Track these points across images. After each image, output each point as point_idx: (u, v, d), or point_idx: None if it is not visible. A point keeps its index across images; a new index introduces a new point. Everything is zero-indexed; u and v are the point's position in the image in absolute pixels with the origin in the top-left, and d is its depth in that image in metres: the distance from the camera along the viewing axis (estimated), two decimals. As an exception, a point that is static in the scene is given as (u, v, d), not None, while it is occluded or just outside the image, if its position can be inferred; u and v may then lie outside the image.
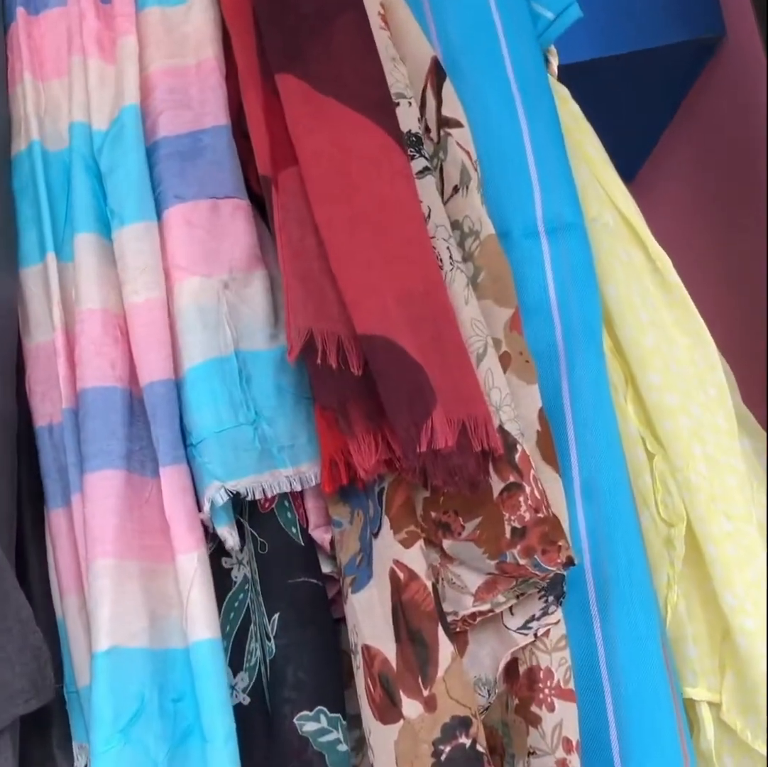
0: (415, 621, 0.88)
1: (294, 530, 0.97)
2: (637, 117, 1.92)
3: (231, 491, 0.91)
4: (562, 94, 1.17)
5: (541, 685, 0.92)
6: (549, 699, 0.91)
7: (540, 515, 0.87)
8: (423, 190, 1.00)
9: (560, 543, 0.86)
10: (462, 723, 0.85)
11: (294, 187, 0.93)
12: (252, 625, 0.97)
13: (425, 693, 0.86)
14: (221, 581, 0.98)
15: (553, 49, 1.20)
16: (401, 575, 0.89)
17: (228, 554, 0.99)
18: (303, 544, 0.98)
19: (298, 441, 0.96)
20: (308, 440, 0.97)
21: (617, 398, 1.06)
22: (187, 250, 0.97)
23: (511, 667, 0.95)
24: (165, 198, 1.00)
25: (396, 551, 0.90)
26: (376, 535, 0.92)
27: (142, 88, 1.03)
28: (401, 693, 0.87)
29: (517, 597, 0.92)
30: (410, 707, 0.86)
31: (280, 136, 0.96)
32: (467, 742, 0.84)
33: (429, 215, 0.99)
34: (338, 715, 0.93)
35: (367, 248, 0.90)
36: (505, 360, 0.99)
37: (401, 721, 0.86)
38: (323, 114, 0.95)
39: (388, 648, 0.89)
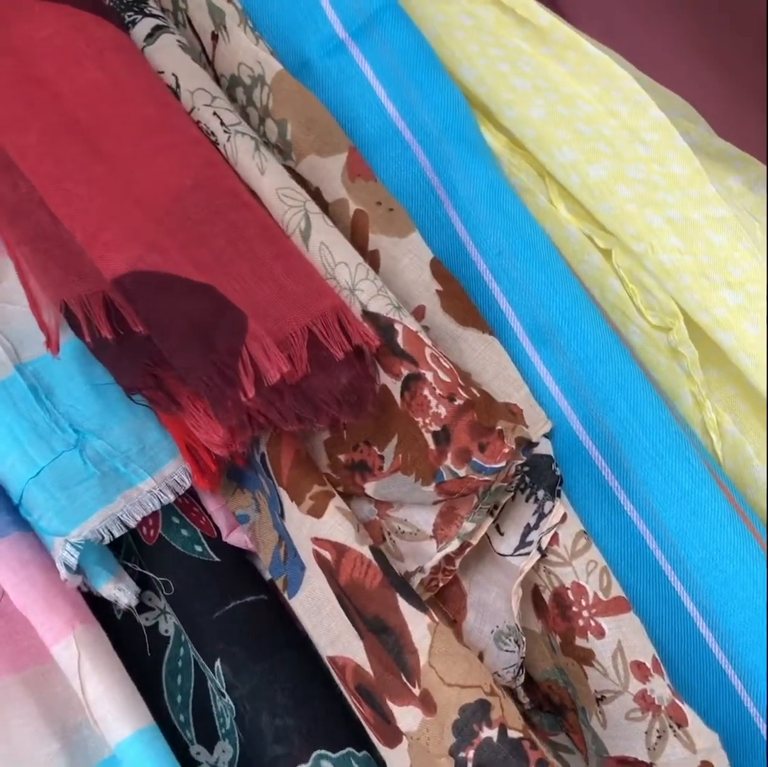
0: (366, 605, 0.66)
1: (199, 548, 0.76)
2: None
3: (79, 542, 0.70)
4: None
5: (575, 609, 0.69)
6: (593, 623, 0.69)
7: (457, 402, 0.64)
8: (160, 56, 0.76)
9: (498, 426, 0.63)
10: (477, 712, 0.63)
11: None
12: (208, 681, 0.77)
13: (416, 691, 0.64)
14: (150, 643, 0.78)
15: None
16: (327, 554, 0.67)
17: (147, 606, 0.78)
18: (219, 559, 0.76)
19: (148, 440, 0.75)
20: (162, 433, 0.75)
21: (537, 203, 0.81)
22: None
23: (536, 597, 0.72)
24: None
25: (309, 526, 0.68)
26: (282, 516, 0.70)
27: None
28: (389, 703, 0.65)
29: (491, 511, 0.69)
30: (406, 717, 0.65)
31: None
32: (494, 733, 0.62)
33: (178, 85, 0.75)
34: (347, 750, 0.72)
35: (87, 163, 0.67)
36: (360, 220, 0.75)
37: (404, 740, 0.65)
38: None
39: (354, 651, 0.67)
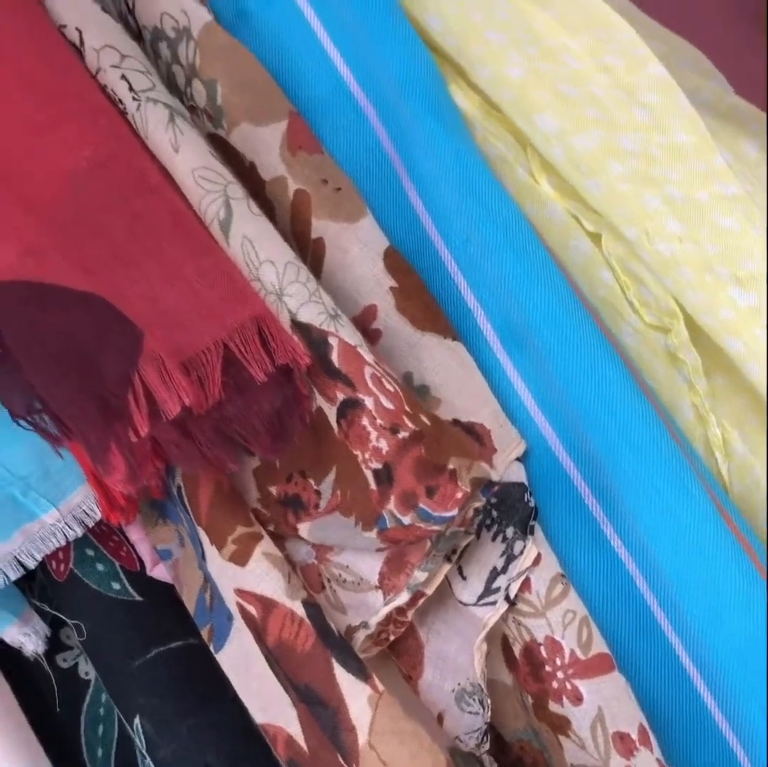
0: (297, 671, 0.56)
1: (117, 585, 0.67)
2: None
3: (-31, 588, 0.61)
4: None
5: (549, 669, 0.59)
6: (569, 686, 0.59)
7: (401, 434, 0.54)
8: (62, 5, 0.64)
9: (451, 465, 0.53)
10: (427, 802, 0.53)
11: None
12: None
13: (354, 775, 0.55)
14: (68, 688, 0.69)
15: None
16: (252, 609, 0.58)
17: (65, 645, 0.69)
18: (140, 598, 0.67)
19: (52, 463, 0.65)
20: (69, 455, 0.65)
21: (515, 176, 0.70)
22: None
23: (506, 647, 0.63)
24: None
25: (231, 575, 0.59)
26: (203, 558, 0.60)
27: None
28: (325, 785, 0.56)
29: (449, 557, 0.59)
30: (344, 805, 0.55)
31: None
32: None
33: (81, 41, 0.63)
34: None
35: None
36: (301, 202, 0.64)
37: (343, 827, 0.56)
38: None
39: (287, 720, 0.58)
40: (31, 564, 0.63)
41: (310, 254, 0.64)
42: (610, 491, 0.62)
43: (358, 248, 0.63)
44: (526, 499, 0.61)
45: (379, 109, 0.67)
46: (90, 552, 0.67)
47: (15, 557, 0.63)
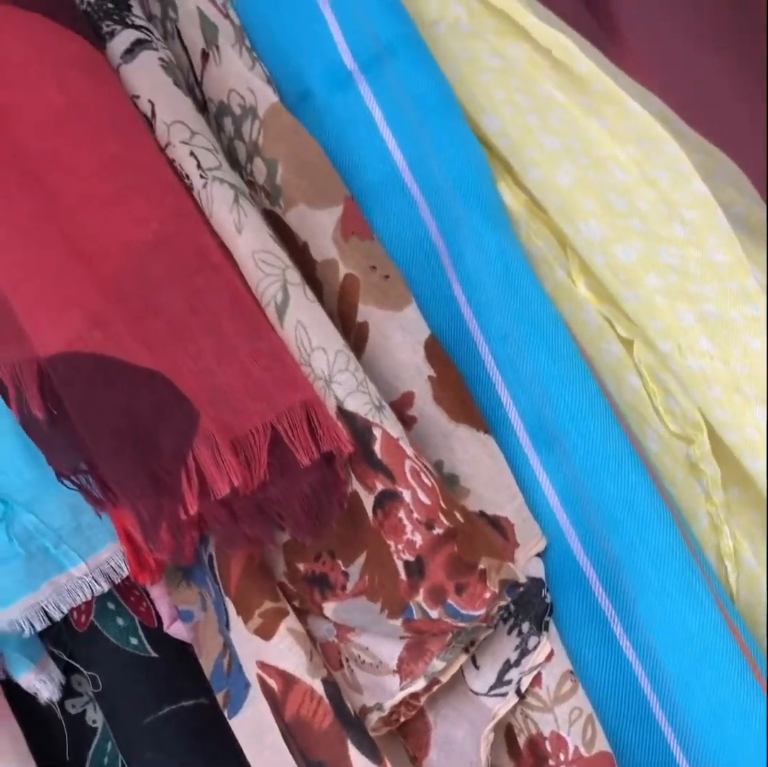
0: (312, 748, 0.58)
1: (134, 640, 0.68)
2: None
3: (-6, 634, 0.63)
4: None
5: (552, 763, 0.61)
6: (571, 782, 0.60)
7: (436, 530, 0.56)
8: (137, 77, 0.67)
9: (481, 564, 0.55)
10: None
11: None
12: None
13: None
14: (75, 734, 0.70)
15: None
16: (273, 683, 0.59)
17: (75, 691, 0.71)
18: (156, 655, 0.68)
19: (85, 517, 0.66)
20: (102, 510, 0.67)
21: (554, 275, 0.72)
22: None
23: (510, 737, 0.64)
24: None
25: (255, 647, 0.60)
26: (227, 626, 0.62)
27: None
28: None
29: (467, 648, 0.61)
30: None
31: None
32: None
33: (153, 114, 0.66)
34: None
35: (27, 207, 0.58)
36: (350, 286, 0.66)
37: None
38: None
39: (296, 794, 0.59)
40: (57, 616, 0.64)
41: (354, 335, 0.66)
42: (624, 592, 0.64)
43: (401, 335, 0.65)
44: (542, 595, 0.63)
45: (430, 202, 0.70)
46: (111, 606, 0.68)
47: (41, 606, 0.64)
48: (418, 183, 0.70)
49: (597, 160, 0.71)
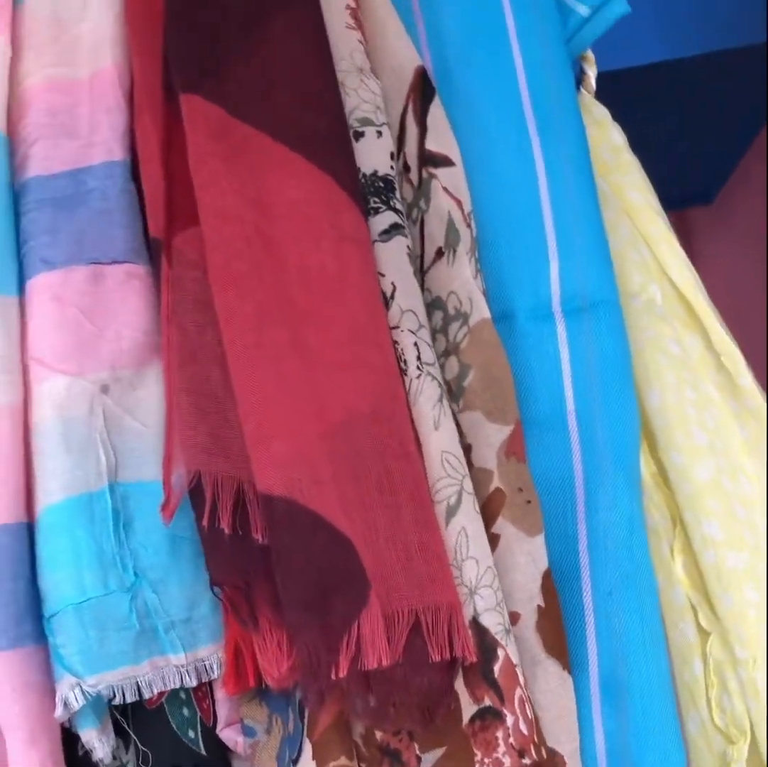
0: None
1: (192, 733, 0.74)
2: (714, 131, 1.64)
3: (91, 692, 0.68)
4: (598, 119, 0.91)
5: None
6: None
7: (525, 760, 0.62)
8: (387, 257, 0.75)
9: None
10: None
11: (194, 256, 0.69)
12: None
13: None
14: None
15: (589, 54, 0.94)
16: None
17: (112, 755, 0.75)
18: (205, 753, 0.74)
19: (198, 612, 0.73)
20: (213, 609, 0.73)
21: (660, 548, 0.80)
22: (52, 338, 0.74)
23: None
24: (29, 263, 0.77)
25: (316, 793, 0.66)
26: (295, 762, 0.68)
27: (12, 109, 0.80)
28: None
29: None
30: None
31: (182, 181, 0.71)
32: None
33: (392, 296, 0.74)
34: None
35: (286, 354, 0.66)
36: (496, 499, 0.74)
37: None
38: (240, 153, 0.70)
39: None
40: (147, 694, 0.69)
41: (485, 543, 0.74)
42: None
43: (525, 559, 0.73)
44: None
45: (584, 450, 0.78)
46: (182, 695, 0.74)
47: (136, 679, 0.69)
48: (578, 430, 0.78)
49: (733, 466, 0.79)
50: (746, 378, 0.82)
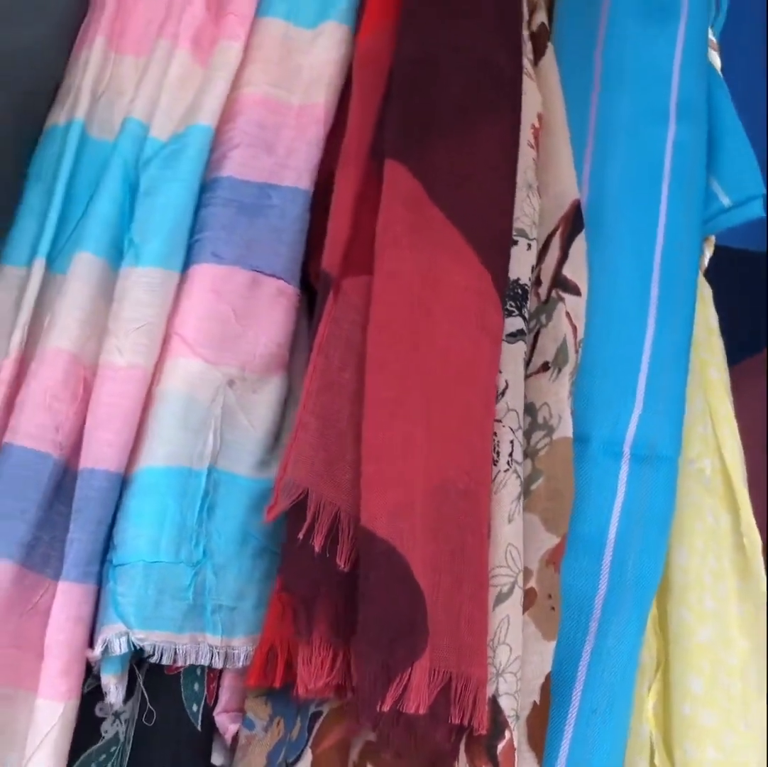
0: None
1: (195, 708, 0.80)
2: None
3: (135, 644, 0.74)
4: (704, 296, 1.01)
5: None
6: None
7: (501, 834, 0.70)
8: (508, 357, 0.84)
9: None
10: None
11: (358, 302, 0.77)
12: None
13: None
14: (86, 730, 0.80)
15: (711, 238, 1.04)
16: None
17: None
18: (199, 729, 0.80)
19: (243, 604, 0.79)
20: (255, 606, 0.80)
21: (641, 684, 0.88)
22: (201, 323, 0.81)
23: None
24: (200, 250, 0.84)
25: (305, 801, 0.72)
26: (291, 765, 0.74)
27: (226, 110, 0.88)
28: None
29: None
30: None
31: (365, 232, 0.79)
32: None
33: (503, 392, 0.82)
34: None
35: (415, 416, 0.73)
36: (528, 597, 0.81)
37: None
38: (424, 228, 0.78)
39: None
40: (181, 663, 0.76)
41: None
42: None
43: (537, 658, 0.80)
44: None
45: (611, 578, 0.85)
46: (197, 672, 0.80)
47: (175, 647, 0.76)
48: (611, 559, 0.86)
49: (727, 638, 0.88)
50: (759, 563, 0.91)
